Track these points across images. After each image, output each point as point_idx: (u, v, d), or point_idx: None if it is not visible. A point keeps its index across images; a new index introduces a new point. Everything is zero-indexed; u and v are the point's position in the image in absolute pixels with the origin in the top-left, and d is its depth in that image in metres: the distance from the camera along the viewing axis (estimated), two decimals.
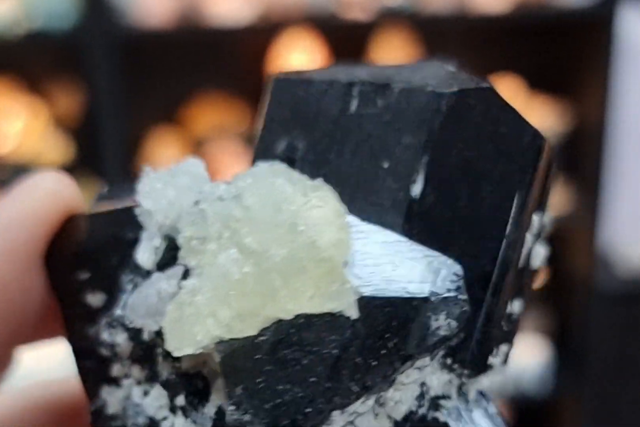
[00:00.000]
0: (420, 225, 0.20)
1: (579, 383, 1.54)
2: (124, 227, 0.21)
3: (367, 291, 0.19)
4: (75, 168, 1.40)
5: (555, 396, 1.56)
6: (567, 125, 1.48)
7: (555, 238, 1.55)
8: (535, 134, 0.22)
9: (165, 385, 0.20)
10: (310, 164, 0.22)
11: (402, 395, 0.20)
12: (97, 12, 1.26)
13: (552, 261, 1.30)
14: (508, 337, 0.23)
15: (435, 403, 0.21)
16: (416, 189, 0.20)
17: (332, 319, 0.19)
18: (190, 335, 0.18)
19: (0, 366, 0.23)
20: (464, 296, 0.20)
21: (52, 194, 0.23)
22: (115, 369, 0.21)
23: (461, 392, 0.22)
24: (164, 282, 0.20)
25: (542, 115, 1.48)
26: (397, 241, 0.20)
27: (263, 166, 0.20)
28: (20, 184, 0.24)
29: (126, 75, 1.31)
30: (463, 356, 0.21)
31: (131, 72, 1.34)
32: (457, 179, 0.20)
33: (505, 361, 0.22)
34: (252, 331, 0.18)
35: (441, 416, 0.21)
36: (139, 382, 0.21)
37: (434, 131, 0.20)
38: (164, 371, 0.20)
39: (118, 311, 0.21)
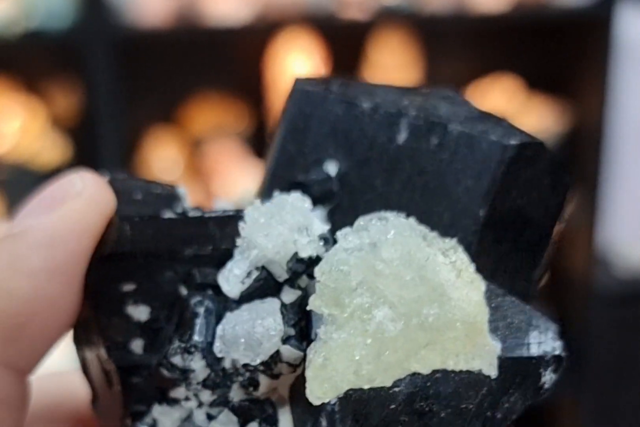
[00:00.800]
0: (478, 262, 0.22)
1: (578, 383, 1.54)
2: (185, 242, 0.21)
3: (501, 351, 0.21)
4: (73, 168, 1.40)
5: (555, 396, 1.56)
6: (566, 125, 1.49)
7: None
8: (568, 185, 0.24)
9: (236, 410, 0.21)
10: (352, 186, 0.23)
11: None
12: (95, 12, 1.26)
13: (551, 261, 1.29)
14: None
15: None
16: (476, 229, 0.22)
17: (471, 376, 0.20)
18: (332, 383, 0.19)
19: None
20: (566, 354, 0.22)
21: (95, 202, 0.23)
22: (178, 391, 0.22)
23: None
24: (269, 319, 0.20)
25: (540, 114, 1.48)
26: (500, 296, 0.22)
27: (394, 218, 0.21)
28: (60, 188, 0.23)
29: (124, 75, 1.31)
30: None
31: (129, 72, 1.34)
32: (508, 223, 0.22)
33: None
34: (388, 383, 0.19)
35: None
36: (200, 405, 0.21)
37: (497, 179, 0.22)
38: (236, 397, 0.21)
39: (195, 337, 0.21)
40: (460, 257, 0.20)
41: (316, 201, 0.23)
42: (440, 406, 0.19)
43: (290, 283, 0.21)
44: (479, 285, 0.21)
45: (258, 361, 0.20)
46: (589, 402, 1.55)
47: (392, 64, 1.46)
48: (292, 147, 0.24)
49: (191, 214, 0.22)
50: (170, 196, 0.23)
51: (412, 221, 0.21)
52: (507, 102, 1.50)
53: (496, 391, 0.20)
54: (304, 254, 0.21)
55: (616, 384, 1.55)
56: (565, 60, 1.49)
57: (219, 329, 0.21)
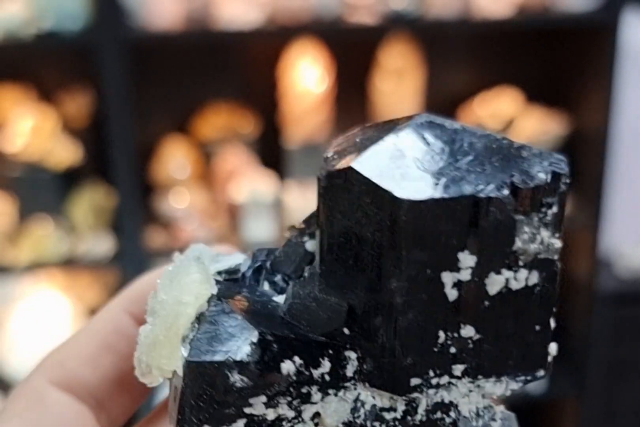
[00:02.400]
0: (326, 281, 0.25)
1: (579, 383, 1.55)
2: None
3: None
4: (84, 170, 1.42)
5: (555, 396, 1.57)
6: (569, 130, 1.50)
7: None
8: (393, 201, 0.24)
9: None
10: None
11: None
12: (108, 14, 1.27)
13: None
14: None
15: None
16: None
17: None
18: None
19: None
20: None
21: None
22: None
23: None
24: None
25: (544, 119, 1.50)
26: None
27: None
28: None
29: (135, 77, 1.32)
30: None
31: (140, 74, 1.36)
32: (343, 243, 0.24)
33: None
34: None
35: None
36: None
37: (319, 207, 0.25)
38: None
39: None
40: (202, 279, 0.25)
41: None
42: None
43: None
44: (202, 303, 0.24)
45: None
46: (590, 402, 1.55)
47: (399, 67, 1.47)
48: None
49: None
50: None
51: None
52: (511, 107, 1.51)
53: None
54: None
55: (617, 383, 1.56)
56: (569, 65, 1.50)
57: None
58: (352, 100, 1.51)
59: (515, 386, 0.25)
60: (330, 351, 0.24)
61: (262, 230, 1.39)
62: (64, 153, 1.39)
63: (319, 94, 1.46)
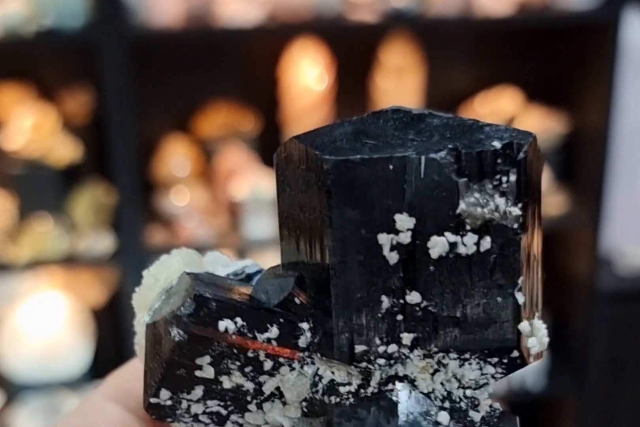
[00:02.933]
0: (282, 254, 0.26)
1: (579, 381, 1.55)
2: None
3: None
4: (84, 168, 1.42)
5: (555, 393, 1.57)
6: (569, 128, 1.50)
7: (557, 238, 1.56)
8: (326, 181, 0.25)
9: None
10: None
11: None
12: (109, 11, 1.27)
13: (554, 261, 1.32)
14: None
15: None
16: None
17: None
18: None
19: None
20: None
21: None
22: None
23: None
24: None
25: (545, 118, 1.50)
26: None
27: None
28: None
29: (136, 75, 1.32)
30: None
31: (141, 71, 1.36)
32: (293, 215, 0.25)
33: None
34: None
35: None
36: None
37: (276, 180, 0.25)
38: None
39: None
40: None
41: None
42: None
43: None
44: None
45: None
46: (589, 399, 1.56)
47: (399, 66, 1.47)
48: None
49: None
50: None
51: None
52: (511, 105, 1.51)
53: None
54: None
55: (617, 381, 1.56)
56: (570, 63, 1.50)
57: None
58: (352, 98, 1.51)
59: (491, 370, 0.24)
60: (281, 320, 0.24)
61: (262, 228, 1.39)
62: (65, 151, 1.39)
63: (319, 92, 1.46)
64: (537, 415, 1.66)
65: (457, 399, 0.24)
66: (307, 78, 1.46)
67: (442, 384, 0.24)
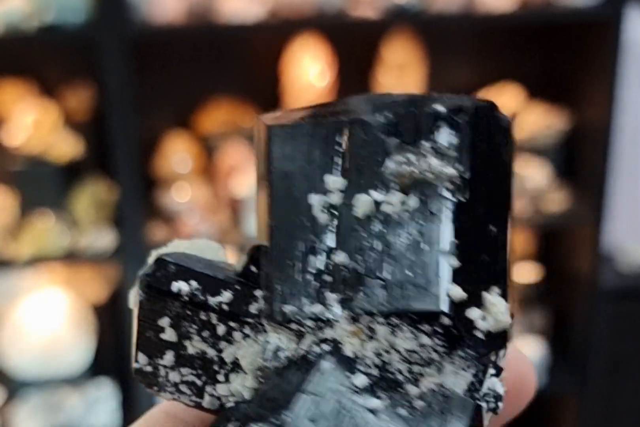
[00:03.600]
0: None
1: (580, 379, 1.55)
2: None
3: None
4: (85, 164, 1.42)
5: (556, 391, 1.57)
6: (571, 125, 1.50)
7: (558, 236, 1.56)
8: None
9: None
10: None
11: None
12: (110, 8, 1.27)
13: (555, 258, 1.32)
14: None
15: None
16: None
17: None
18: None
19: None
20: None
21: None
22: None
23: None
24: None
25: (546, 115, 1.49)
26: None
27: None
28: None
29: (137, 71, 1.32)
30: None
31: (142, 67, 1.36)
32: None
33: None
34: None
35: None
36: None
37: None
38: None
39: None
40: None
41: None
42: None
43: None
44: None
45: None
46: (591, 397, 1.56)
47: (401, 62, 1.47)
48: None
49: None
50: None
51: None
52: (513, 102, 1.51)
53: None
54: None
55: (619, 378, 1.56)
56: (572, 60, 1.49)
57: None
58: (354, 95, 1.51)
59: (427, 340, 0.23)
60: (237, 287, 0.24)
61: None
62: (66, 147, 1.39)
63: (321, 88, 1.46)
64: (538, 413, 1.66)
65: (394, 371, 0.23)
66: (308, 74, 1.46)
67: (379, 354, 0.23)
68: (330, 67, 1.47)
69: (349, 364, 0.23)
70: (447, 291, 0.22)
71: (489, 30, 1.54)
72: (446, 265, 0.22)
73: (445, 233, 0.22)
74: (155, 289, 0.24)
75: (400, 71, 1.47)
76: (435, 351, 0.23)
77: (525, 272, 1.58)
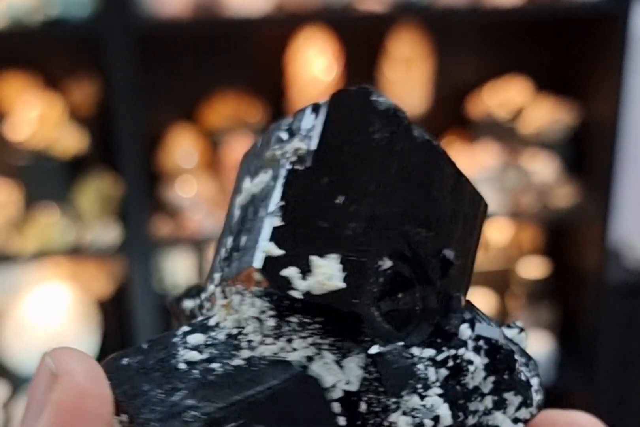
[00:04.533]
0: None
1: (588, 375, 1.54)
2: None
3: None
4: (90, 159, 1.41)
5: (564, 388, 1.57)
6: (578, 119, 1.49)
7: (566, 231, 1.55)
8: None
9: None
10: None
11: None
12: (115, 1, 1.26)
13: (563, 253, 1.31)
14: None
15: None
16: None
17: None
18: None
19: None
20: None
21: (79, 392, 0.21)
22: None
23: None
24: None
25: (554, 109, 1.49)
26: None
27: None
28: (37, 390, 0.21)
29: (142, 65, 1.31)
30: None
31: (147, 61, 1.35)
32: None
33: None
34: None
35: None
36: None
37: None
38: None
39: None
40: None
41: None
42: None
43: None
44: None
45: None
46: (599, 394, 1.55)
47: (408, 56, 1.47)
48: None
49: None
50: None
51: None
52: (520, 96, 1.50)
53: None
54: None
55: (627, 375, 1.56)
56: (579, 54, 1.49)
57: None
58: None
59: (259, 303, 0.23)
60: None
61: None
62: (71, 141, 1.39)
63: (327, 82, 1.46)
64: (546, 409, 1.66)
65: (241, 339, 0.23)
66: (314, 68, 1.45)
67: (239, 324, 0.23)
68: (337, 60, 1.46)
69: (204, 331, 0.23)
70: (263, 248, 0.22)
71: (496, 24, 1.53)
72: (269, 226, 0.23)
73: (275, 197, 0.23)
74: None
75: (407, 65, 1.47)
76: (272, 316, 0.23)
77: (532, 268, 1.57)
